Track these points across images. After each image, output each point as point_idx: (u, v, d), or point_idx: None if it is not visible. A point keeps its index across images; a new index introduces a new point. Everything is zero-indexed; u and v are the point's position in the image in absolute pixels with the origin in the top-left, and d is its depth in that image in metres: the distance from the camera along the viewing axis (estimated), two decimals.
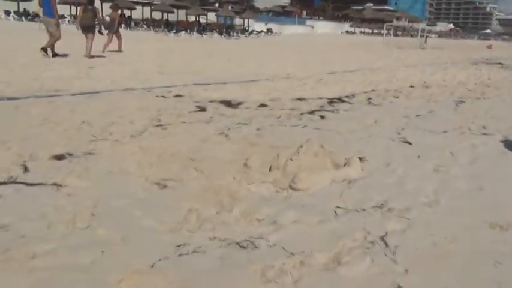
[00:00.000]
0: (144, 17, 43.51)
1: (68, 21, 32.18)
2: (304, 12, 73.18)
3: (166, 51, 16.63)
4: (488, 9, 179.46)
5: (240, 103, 6.23)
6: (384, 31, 40.73)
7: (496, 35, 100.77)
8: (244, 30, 46.19)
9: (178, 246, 2.28)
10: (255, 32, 46.05)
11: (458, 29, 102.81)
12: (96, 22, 12.55)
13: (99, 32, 12.57)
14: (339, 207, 2.88)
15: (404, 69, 13.22)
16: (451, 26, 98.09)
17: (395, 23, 49.51)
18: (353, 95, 7.39)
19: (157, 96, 6.52)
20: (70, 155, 3.61)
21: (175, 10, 44.47)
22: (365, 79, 9.83)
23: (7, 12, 35.28)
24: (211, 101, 6.21)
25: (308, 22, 64.65)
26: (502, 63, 17.78)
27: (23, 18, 34.34)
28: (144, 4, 42.77)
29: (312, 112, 5.80)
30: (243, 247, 2.32)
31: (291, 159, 3.53)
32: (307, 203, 2.93)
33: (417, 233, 2.58)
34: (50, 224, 2.45)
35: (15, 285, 1.92)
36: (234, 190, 3.06)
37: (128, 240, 2.32)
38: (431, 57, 20.72)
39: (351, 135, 4.70)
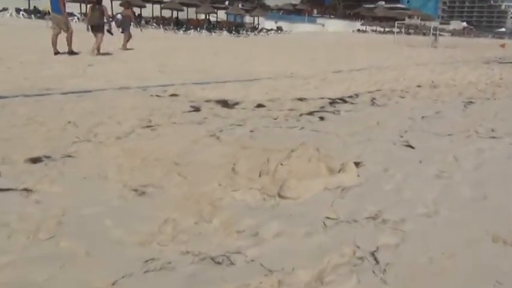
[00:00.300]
0: (154, 15, 43.64)
1: (78, 18, 32.31)
2: (315, 11, 72.79)
3: (172, 49, 16.53)
4: (503, 7, 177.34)
5: (237, 103, 6.05)
6: (395, 29, 40.27)
7: (510, 33, 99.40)
8: (253, 29, 46.12)
9: (146, 261, 2.11)
10: (264, 30, 45.97)
11: (472, 27, 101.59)
12: (105, 21, 12.50)
13: (108, 31, 12.52)
14: (328, 218, 2.69)
15: (413, 68, 12.94)
16: (465, 24, 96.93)
17: (407, 21, 48.92)
18: (357, 95, 7.17)
19: (151, 95, 6.36)
20: (48, 157, 3.46)
21: (185, 8, 44.62)
22: (371, 78, 9.59)
23: (17, 10, 36.02)
24: (207, 101, 6.04)
25: (319, 20, 64.40)
26: None
27: (33, 15, 34.90)
28: (154, 2, 42.91)
29: (311, 113, 5.60)
30: (218, 263, 2.14)
31: (281, 164, 3.35)
32: (294, 213, 2.75)
33: (412, 248, 2.38)
34: (11, 234, 2.29)
35: None
36: (217, 198, 2.89)
37: (91, 253, 2.15)
38: (443, 56, 20.37)
39: (350, 138, 4.50)
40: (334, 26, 60.95)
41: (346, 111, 5.86)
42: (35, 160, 3.37)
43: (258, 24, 51.40)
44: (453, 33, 74.22)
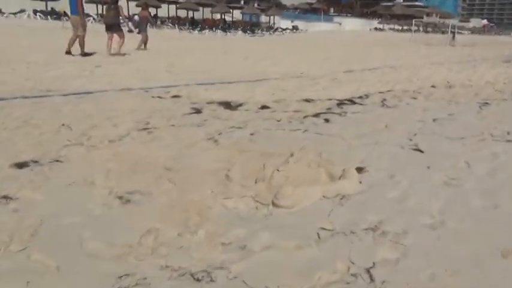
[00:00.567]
0: (170, 15, 43.91)
1: (94, 19, 32.70)
2: (332, 9, 72.35)
3: (184, 49, 16.52)
4: None
5: (240, 104, 5.90)
6: (413, 27, 39.74)
7: None
8: (269, 28, 46.08)
9: (120, 277, 1.98)
10: (279, 30, 45.89)
11: (493, 24, 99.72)
12: (122, 21, 12.57)
13: (129, 31, 12.58)
14: (323, 229, 2.53)
15: (428, 67, 12.65)
16: (485, 21, 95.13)
17: (425, 19, 48.24)
18: (367, 96, 6.97)
19: (153, 96, 6.26)
20: (35, 162, 3.36)
21: (200, 8, 44.89)
22: (383, 78, 9.36)
23: (34, 12, 37.06)
24: (209, 102, 5.91)
25: (336, 19, 64.04)
26: None
27: (49, 17, 35.82)
28: (169, 2, 43.24)
29: (316, 115, 5.43)
30: (197, 280, 2.00)
31: (278, 170, 3.20)
32: (287, 223, 2.59)
33: (412, 264, 2.21)
34: None
35: None
36: (206, 206, 2.75)
37: (62, 268, 2.03)
38: (461, 54, 19.98)
39: (356, 142, 4.32)
40: (351, 24, 60.50)
41: (353, 112, 5.67)
42: (21, 165, 3.27)
43: (274, 23, 51.35)
44: (473, 31, 73.02)
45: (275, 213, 2.72)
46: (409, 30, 43.61)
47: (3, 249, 2.15)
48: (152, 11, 39.38)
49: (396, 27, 63.06)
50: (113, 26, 12.46)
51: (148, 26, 15.25)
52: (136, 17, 15.20)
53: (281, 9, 60.93)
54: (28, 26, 26.40)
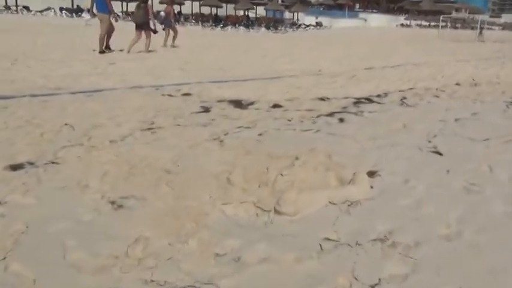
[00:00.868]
0: (193, 11, 44.18)
1: (118, 16, 33.20)
2: (357, 5, 71.56)
3: (204, 46, 16.53)
4: None
5: (251, 103, 5.75)
6: (440, 23, 38.90)
7: None
8: (292, 24, 45.91)
9: None
10: (303, 26, 45.64)
11: None
12: (150, 19, 12.86)
13: (153, 31, 12.79)
14: (327, 239, 2.36)
15: (454, 64, 12.27)
16: None
17: (454, 14, 47.22)
18: (386, 94, 6.73)
19: (163, 94, 6.16)
20: (31, 164, 3.27)
21: (223, 5, 45.01)
22: (405, 75, 9.08)
23: (60, 9, 38.39)
24: (219, 101, 5.77)
25: (361, 15, 63.36)
26: None
27: (74, 14, 37.09)
28: None
29: (331, 114, 5.23)
30: None
31: (281, 174, 3.04)
32: (288, 233, 2.43)
33: (422, 280, 2.03)
34: None
35: None
36: (203, 213, 2.61)
37: (39, 281, 1.91)
38: (489, 50, 19.39)
39: (370, 143, 4.12)
40: (377, 20, 59.75)
41: (370, 112, 5.45)
42: (15, 167, 3.19)
43: (298, 20, 51.08)
44: (504, 26, 71.12)
45: (276, 221, 2.57)
46: (437, 26, 42.76)
47: None
48: (176, 7, 39.75)
49: (423, 23, 61.98)
50: (142, 25, 12.76)
51: (172, 22, 15.46)
52: (162, 13, 15.32)
53: (305, 5, 60.46)
54: (54, 23, 26.86)
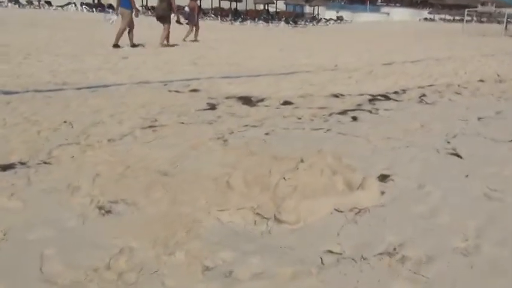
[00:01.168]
0: (213, 6, 44.21)
1: (138, 11, 33.65)
2: None
3: (221, 40, 16.48)
4: None
5: (261, 100, 5.55)
6: (465, 17, 38.07)
7: None
8: (313, 19, 45.61)
9: None
10: (323, 20, 45.29)
11: None
12: (172, 13, 13.11)
13: (177, 21, 12.88)
14: (329, 252, 2.17)
15: (478, 59, 11.87)
16: None
17: (479, 8, 46.15)
18: (404, 91, 6.46)
19: (170, 90, 6.00)
20: (23, 164, 3.15)
21: None
22: (425, 71, 8.77)
23: (81, 4, 39.63)
24: (228, 97, 5.59)
25: (383, 9, 62.60)
26: None
27: (94, 9, 38.14)
28: None
29: (343, 112, 5.01)
30: None
31: (284, 178, 2.85)
32: (286, 244, 2.24)
33: None
34: None
35: None
36: (196, 220, 2.43)
37: None
38: None
39: (384, 144, 3.90)
40: (400, 14, 59.02)
41: (386, 110, 5.20)
42: (5, 167, 3.06)
43: (318, 14, 50.70)
44: None
45: (275, 230, 2.38)
46: (461, 20, 41.88)
47: None
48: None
49: (448, 17, 60.88)
50: (162, 17, 12.92)
51: (196, 17, 15.51)
52: (186, 9, 15.37)
53: None
54: (75, 18, 27.06)
